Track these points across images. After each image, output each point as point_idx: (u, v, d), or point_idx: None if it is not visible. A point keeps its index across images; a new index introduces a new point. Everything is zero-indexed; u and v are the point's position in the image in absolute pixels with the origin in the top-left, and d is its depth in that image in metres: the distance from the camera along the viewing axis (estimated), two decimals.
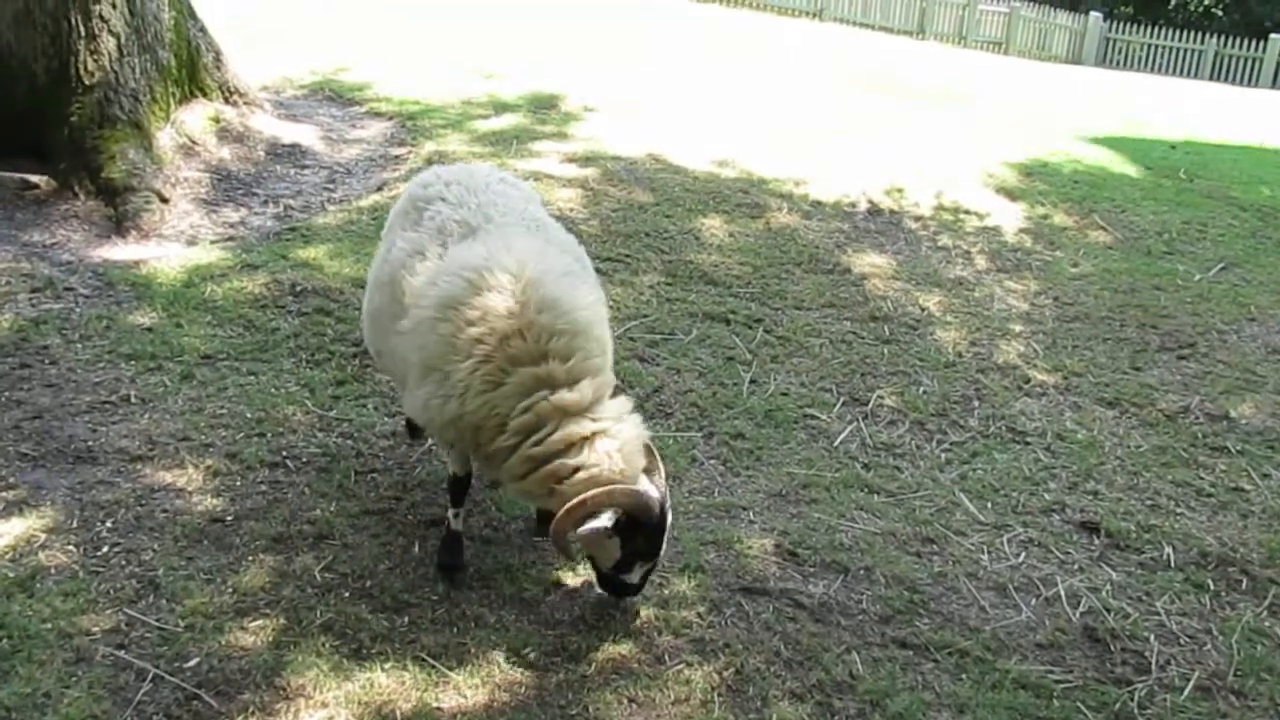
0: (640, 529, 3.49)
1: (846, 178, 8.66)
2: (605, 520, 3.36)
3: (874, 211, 8.24)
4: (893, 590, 4.14)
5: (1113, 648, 3.93)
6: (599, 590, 3.83)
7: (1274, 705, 3.70)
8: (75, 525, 3.95)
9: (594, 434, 3.46)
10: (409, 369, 3.69)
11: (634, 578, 3.67)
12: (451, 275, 3.56)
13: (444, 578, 3.90)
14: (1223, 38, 27.34)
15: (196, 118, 7.50)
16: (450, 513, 3.94)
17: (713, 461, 4.96)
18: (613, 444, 3.46)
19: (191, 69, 7.57)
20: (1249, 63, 26.58)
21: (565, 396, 3.45)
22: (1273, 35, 26.62)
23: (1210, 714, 3.65)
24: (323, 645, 3.50)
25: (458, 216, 3.81)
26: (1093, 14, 28.94)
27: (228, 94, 7.87)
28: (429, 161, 7.82)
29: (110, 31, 6.82)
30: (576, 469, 3.42)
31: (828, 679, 3.61)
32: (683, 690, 3.49)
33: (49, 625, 3.44)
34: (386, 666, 3.44)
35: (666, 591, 3.98)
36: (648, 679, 3.52)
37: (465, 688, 3.40)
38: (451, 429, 3.59)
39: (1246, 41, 26.74)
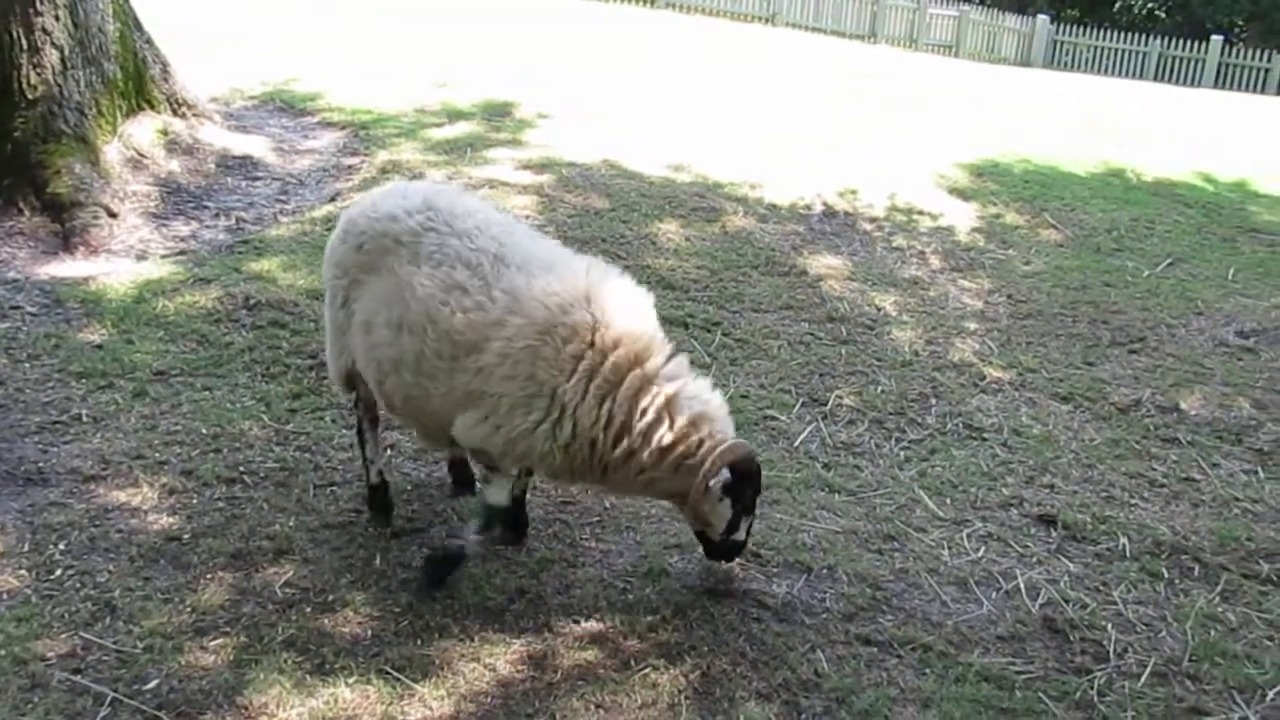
0: (746, 482, 3.81)
1: (801, 180, 8.73)
2: (725, 476, 3.73)
3: (829, 213, 8.31)
4: (855, 588, 4.17)
5: (1072, 638, 3.99)
6: (711, 564, 4.08)
7: (1228, 688, 3.77)
8: (27, 548, 3.87)
9: (701, 409, 3.77)
10: (488, 407, 3.66)
11: (741, 535, 3.95)
12: (534, 301, 3.63)
13: (432, 594, 3.89)
14: (1166, 39, 27.90)
15: (144, 130, 7.40)
16: (474, 539, 3.94)
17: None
18: (717, 410, 3.82)
19: (138, 81, 7.47)
20: (1192, 63, 27.12)
21: (673, 386, 3.74)
22: (1214, 37, 27.20)
23: (1167, 699, 3.71)
24: (285, 662, 3.46)
25: (472, 245, 3.77)
26: (1040, 17, 29.39)
27: (176, 106, 7.77)
28: (383, 171, 7.78)
29: (53, 44, 6.72)
30: (701, 442, 3.73)
31: (793, 678, 3.62)
32: (650, 694, 3.49)
33: (2, 652, 3.38)
34: (350, 681, 3.41)
35: (631, 596, 3.98)
36: (614, 684, 3.51)
37: (431, 699, 3.38)
38: (560, 453, 3.68)
39: (1189, 43, 27.30)
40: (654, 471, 3.74)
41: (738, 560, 4.10)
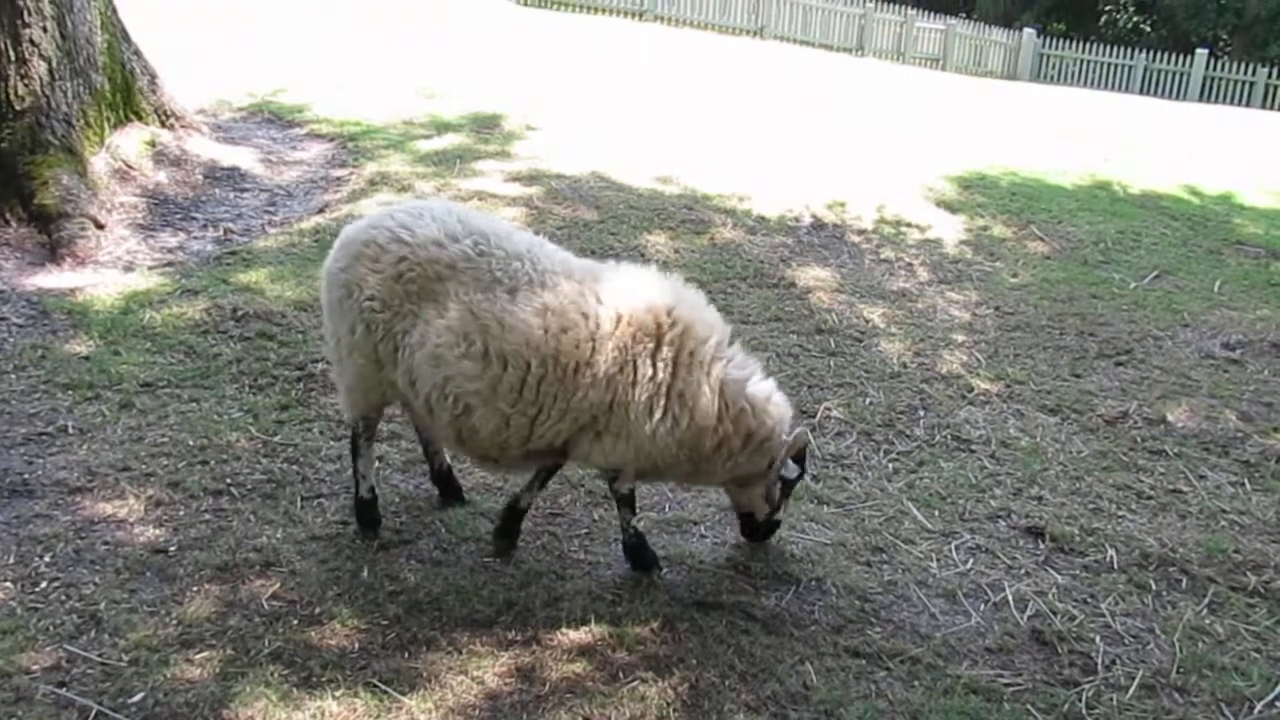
0: (801, 467, 4.16)
1: (789, 193, 8.75)
2: (793, 468, 4.12)
3: (817, 226, 8.34)
4: (844, 600, 4.17)
5: (1060, 650, 4.00)
6: (746, 541, 4.41)
7: (1216, 700, 3.78)
8: (12, 561, 3.84)
9: (769, 394, 4.09)
10: (617, 422, 3.83)
11: (780, 514, 4.32)
12: (627, 308, 3.81)
13: (644, 572, 4.17)
14: (1151, 53, 28.11)
15: (132, 142, 7.38)
16: (632, 521, 4.18)
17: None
18: (780, 399, 4.15)
19: (126, 92, 7.46)
20: (1177, 77, 27.33)
21: (750, 375, 4.04)
22: (1198, 50, 27.42)
23: (1155, 711, 3.71)
24: (271, 675, 3.44)
25: (537, 265, 3.83)
26: (1027, 30, 29.60)
27: (164, 117, 7.76)
28: (371, 182, 7.77)
29: (41, 55, 6.70)
30: (773, 430, 4.06)
31: (782, 690, 3.62)
32: (638, 707, 3.48)
33: None
34: (338, 694, 3.39)
35: (620, 609, 3.97)
36: (603, 696, 3.50)
37: (418, 712, 3.36)
38: (676, 448, 3.92)
39: (1174, 56, 27.51)
40: (738, 457, 4.04)
41: (724, 571, 4.10)
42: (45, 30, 6.71)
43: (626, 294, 3.85)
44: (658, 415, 3.83)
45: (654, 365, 3.81)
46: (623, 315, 3.81)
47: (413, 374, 3.84)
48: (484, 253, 3.83)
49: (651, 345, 3.82)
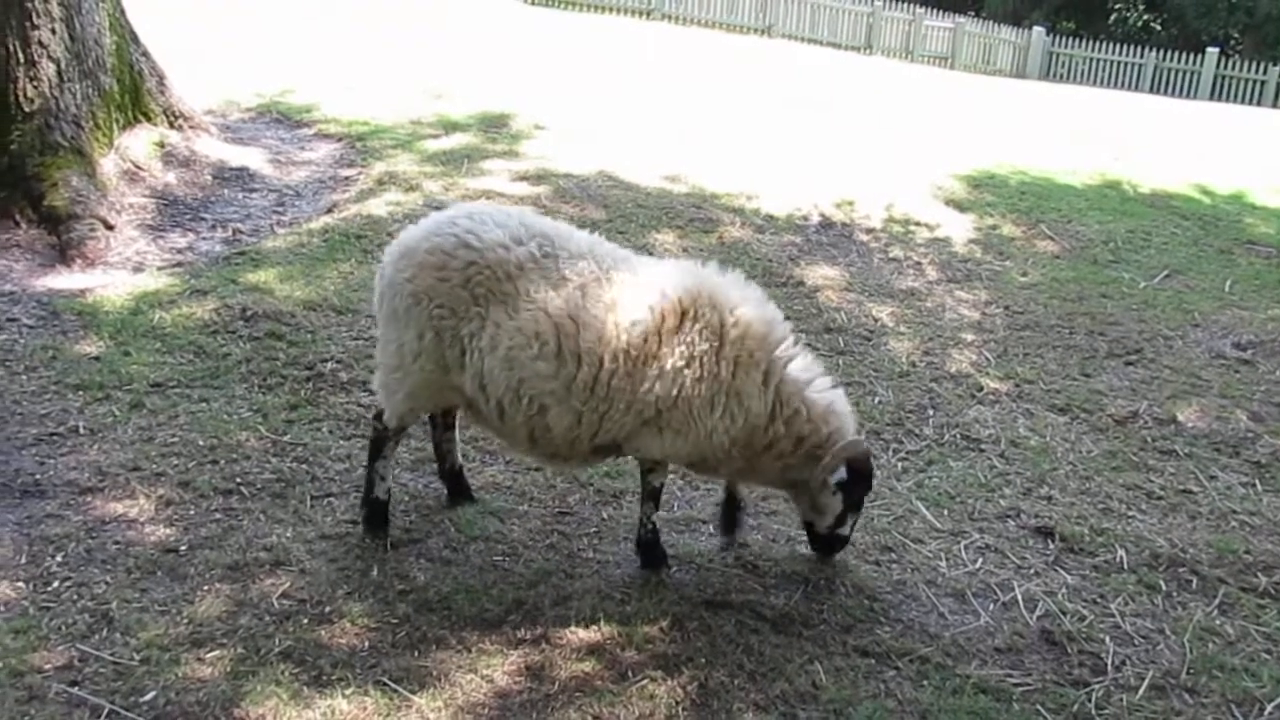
0: (859, 480, 4.05)
1: (797, 191, 8.75)
2: (841, 473, 3.99)
3: (825, 224, 8.33)
4: (853, 599, 4.17)
5: (1069, 650, 3.99)
6: (815, 553, 4.35)
7: (1225, 701, 3.77)
8: (24, 560, 3.86)
9: (830, 402, 4.05)
10: (679, 417, 3.86)
11: (846, 530, 4.21)
12: (691, 304, 3.83)
13: (658, 573, 4.20)
14: (1161, 51, 28.01)
15: (141, 143, 7.41)
16: (654, 515, 4.19)
17: (671, 476, 4.96)
18: (843, 405, 4.11)
19: (135, 94, 7.48)
20: (1187, 75, 27.24)
21: (800, 375, 4.01)
22: (1209, 49, 27.32)
23: (1165, 712, 3.70)
24: (282, 673, 3.45)
25: (600, 263, 3.89)
26: (1036, 29, 29.52)
27: (172, 118, 7.78)
28: (379, 182, 7.78)
29: (50, 57, 6.73)
30: (829, 436, 4.02)
31: (791, 689, 3.62)
32: (647, 706, 3.48)
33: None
34: (348, 693, 3.40)
35: (629, 608, 3.97)
36: (612, 695, 3.50)
37: (428, 711, 3.37)
38: (729, 445, 3.94)
39: (1184, 55, 27.42)
40: (789, 459, 4.03)
41: (733, 571, 4.10)
42: (54, 32, 6.73)
43: (690, 290, 3.88)
44: (718, 413, 3.88)
45: (718, 362, 3.85)
46: (687, 311, 3.85)
47: (483, 377, 3.84)
48: (549, 253, 3.86)
49: (716, 343, 3.85)
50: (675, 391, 3.82)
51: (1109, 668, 3.91)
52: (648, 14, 23.36)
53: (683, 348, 3.81)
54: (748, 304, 3.97)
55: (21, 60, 6.64)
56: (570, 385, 3.79)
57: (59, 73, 6.78)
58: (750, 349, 3.89)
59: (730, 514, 4.45)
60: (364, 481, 4.31)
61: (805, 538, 4.50)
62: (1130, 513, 5.02)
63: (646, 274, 3.94)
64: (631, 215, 7.81)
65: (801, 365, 4.04)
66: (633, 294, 3.84)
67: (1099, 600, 4.32)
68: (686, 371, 3.82)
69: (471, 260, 3.83)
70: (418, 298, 3.87)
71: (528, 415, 3.86)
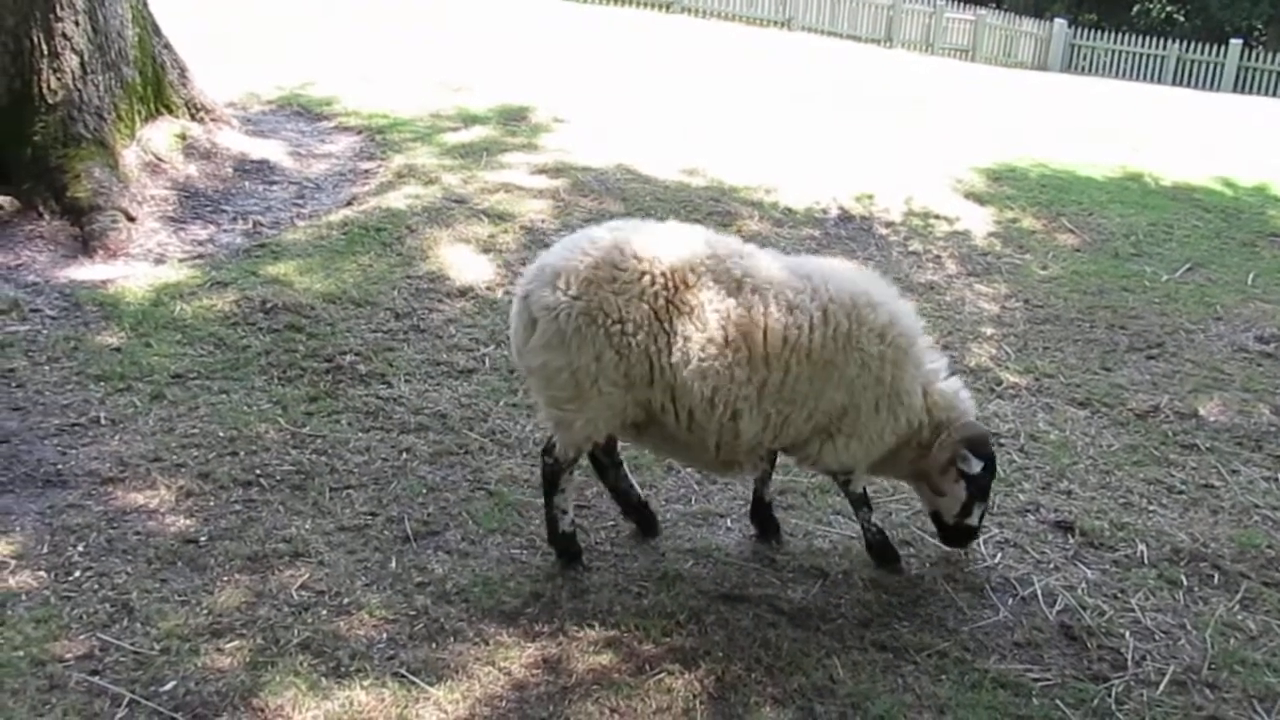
0: (980, 462, 4.02)
1: (816, 185, 8.71)
2: (971, 461, 4.01)
3: (844, 218, 8.30)
4: (871, 594, 4.16)
5: (1089, 645, 3.96)
6: (945, 547, 4.37)
7: (1247, 697, 3.74)
8: (46, 550, 3.89)
9: (958, 389, 4.13)
10: (850, 424, 3.94)
11: (974, 520, 4.18)
12: (859, 308, 3.87)
13: (889, 567, 4.30)
14: (1184, 43, 27.75)
15: (162, 135, 7.45)
16: (870, 517, 4.29)
17: (688, 470, 4.96)
18: (966, 396, 4.18)
19: (157, 86, 7.52)
20: (1211, 67, 26.98)
21: (933, 366, 4.10)
22: (1233, 40, 27.04)
23: (1185, 708, 3.68)
24: (300, 664, 3.47)
25: (767, 268, 3.91)
26: (1057, 21, 29.31)
27: (194, 110, 7.82)
28: (399, 175, 7.80)
29: (73, 49, 6.77)
30: (956, 420, 4.08)
31: (808, 684, 3.61)
32: (664, 699, 3.48)
33: (20, 653, 3.39)
34: (365, 684, 3.41)
35: (646, 601, 3.97)
36: (629, 689, 3.50)
37: (445, 703, 3.38)
38: (892, 445, 4.02)
39: (1208, 46, 27.15)
40: (924, 450, 4.09)
41: (750, 564, 4.08)
42: (77, 24, 6.77)
43: (853, 290, 3.91)
44: (883, 414, 3.94)
45: (881, 363, 3.89)
46: (852, 312, 3.87)
47: (674, 391, 3.81)
48: (716, 259, 3.84)
49: (880, 345, 3.88)
50: (848, 398, 3.88)
51: (1129, 663, 3.88)
52: (667, 7, 23.31)
53: (857, 353, 3.85)
54: (896, 300, 4.03)
55: (45, 52, 6.68)
56: (762, 390, 3.81)
57: (82, 65, 6.82)
58: (904, 346, 3.94)
59: (766, 516, 4.45)
60: (546, 520, 4.13)
61: (826, 531, 4.49)
62: (1151, 507, 4.98)
63: (809, 275, 3.94)
64: (650, 208, 7.80)
65: (933, 356, 4.12)
66: (804, 296, 3.85)
67: (1119, 595, 4.30)
68: (859, 378, 3.86)
69: (644, 272, 3.76)
70: (591, 316, 3.73)
71: (721, 423, 3.84)
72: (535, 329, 3.81)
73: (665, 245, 3.84)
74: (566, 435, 3.95)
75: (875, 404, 3.93)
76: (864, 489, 4.26)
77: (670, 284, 3.77)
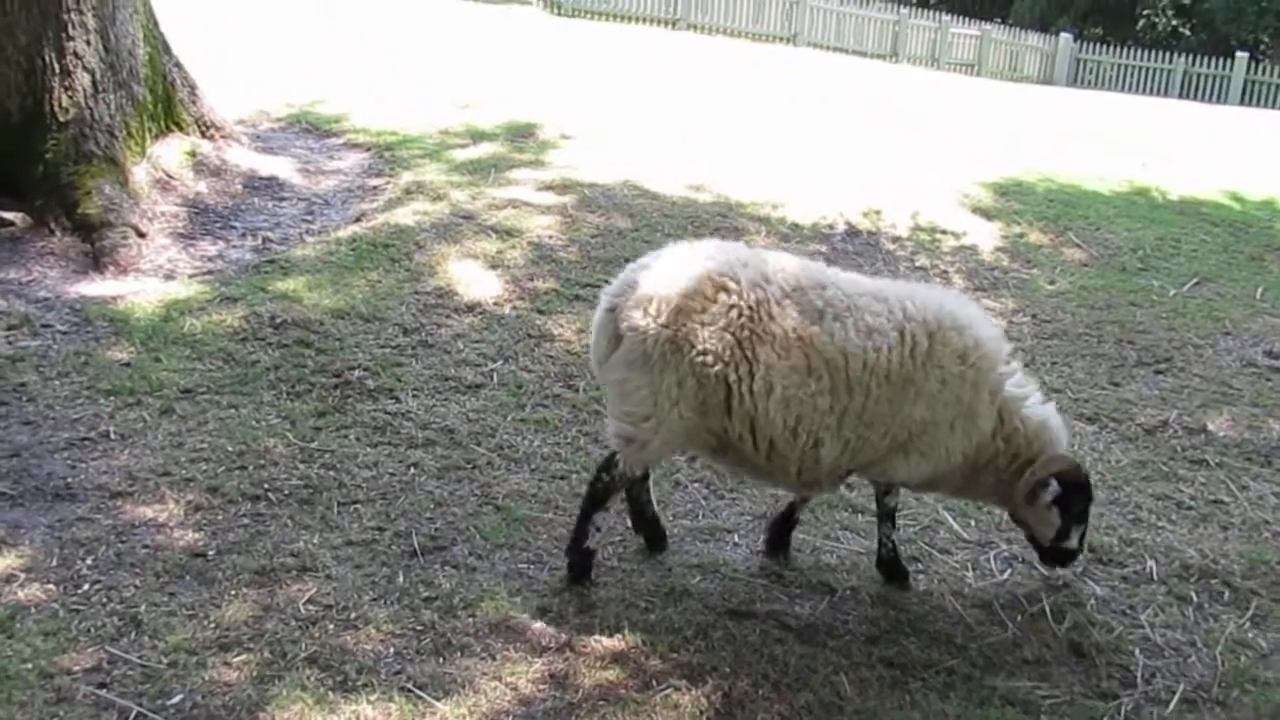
0: (1073, 492, 4.05)
1: (823, 200, 8.73)
2: (1054, 487, 4.02)
3: (851, 233, 8.31)
4: (879, 610, 4.15)
5: (1098, 662, 3.95)
6: (1044, 570, 4.40)
7: (1258, 715, 3.72)
8: (55, 563, 3.91)
9: (1045, 418, 4.10)
10: (925, 441, 3.94)
11: (1073, 543, 4.18)
12: (936, 328, 3.89)
13: (898, 584, 4.31)
14: (1190, 56, 27.78)
15: (173, 152, 7.49)
16: (891, 534, 4.29)
17: (696, 485, 4.96)
18: (1056, 423, 4.14)
19: (167, 103, 7.57)
20: (1216, 81, 27.00)
21: (1018, 391, 4.09)
22: (1238, 54, 27.06)
23: None
24: (307, 678, 3.47)
25: (845, 291, 3.91)
26: (1063, 35, 29.36)
27: (204, 128, 7.87)
28: (407, 192, 7.83)
29: (84, 67, 6.82)
30: (1040, 449, 4.06)
31: (816, 700, 3.60)
32: (671, 715, 3.47)
33: (29, 665, 3.40)
34: (372, 698, 3.41)
35: (653, 616, 3.97)
36: (636, 704, 3.50)
37: (452, 717, 3.38)
38: (962, 464, 4.02)
39: (1213, 60, 27.17)
40: (1003, 475, 4.09)
41: (758, 580, 4.08)
42: (89, 43, 6.83)
43: (935, 311, 3.93)
44: (958, 433, 3.95)
45: (961, 383, 3.91)
46: (934, 333, 3.88)
47: (754, 420, 3.82)
48: (798, 286, 3.86)
49: (960, 366, 3.91)
50: (928, 415, 3.88)
51: (1139, 680, 3.86)
52: (673, 24, 23.42)
53: (937, 370, 3.86)
54: (982, 323, 4.04)
55: (57, 71, 6.74)
56: (844, 417, 3.83)
57: (94, 83, 6.87)
58: (985, 369, 3.95)
59: (784, 533, 4.44)
60: (574, 532, 4.11)
61: (834, 547, 4.49)
62: (1160, 523, 4.97)
63: (888, 296, 3.95)
64: (657, 225, 7.82)
65: (1018, 381, 4.09)
66: (884, 320, 3.86)
67: (1128, 612, 4.28)
68: (939, 396, 3.87)
69: (733, 304, 3.78)
70: (677, 344, 3.76)
71: (803, 450, 3.87)
72: (619, 344, 3.86)
73: (754, 274, 3.84)
74: (639, 454, 3.95)
75: (951, 422, 3.94)
76: (895, 505, 4.27)
77: (757, 314, 3.79)
